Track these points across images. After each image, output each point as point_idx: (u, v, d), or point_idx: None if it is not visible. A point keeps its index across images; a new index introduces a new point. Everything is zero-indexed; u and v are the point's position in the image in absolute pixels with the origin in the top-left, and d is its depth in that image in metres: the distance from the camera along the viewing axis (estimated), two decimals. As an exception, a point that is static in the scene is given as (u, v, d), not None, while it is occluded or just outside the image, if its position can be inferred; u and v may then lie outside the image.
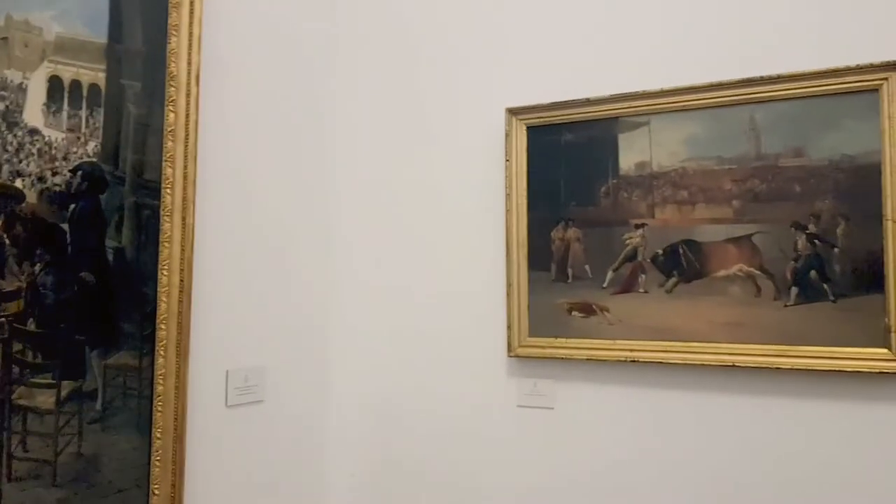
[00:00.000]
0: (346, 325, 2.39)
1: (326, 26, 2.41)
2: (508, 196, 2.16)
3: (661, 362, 1.96)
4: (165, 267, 1.78)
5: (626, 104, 2.04)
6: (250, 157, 2.08)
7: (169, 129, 1.81)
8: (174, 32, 1.83)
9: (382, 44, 2.44)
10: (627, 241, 2.04)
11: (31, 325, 1.55)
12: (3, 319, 1.50)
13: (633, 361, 1.99)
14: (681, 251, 1.97)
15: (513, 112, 2.17)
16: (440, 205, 2.30)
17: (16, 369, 1.51)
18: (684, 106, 1.97)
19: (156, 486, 1.72)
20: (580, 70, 2.12)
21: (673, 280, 1.98)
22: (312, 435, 2.29)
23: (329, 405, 2.36)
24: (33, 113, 1.58)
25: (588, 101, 2.08)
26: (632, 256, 2.03)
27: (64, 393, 1.59)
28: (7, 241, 1.52)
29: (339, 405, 2.37)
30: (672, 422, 1.96)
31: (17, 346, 1.52)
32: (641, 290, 2.01)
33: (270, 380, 2.11)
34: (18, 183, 1.54)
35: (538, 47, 2.20)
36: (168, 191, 1.80)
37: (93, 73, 1.68)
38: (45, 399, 1.56)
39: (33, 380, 1.55)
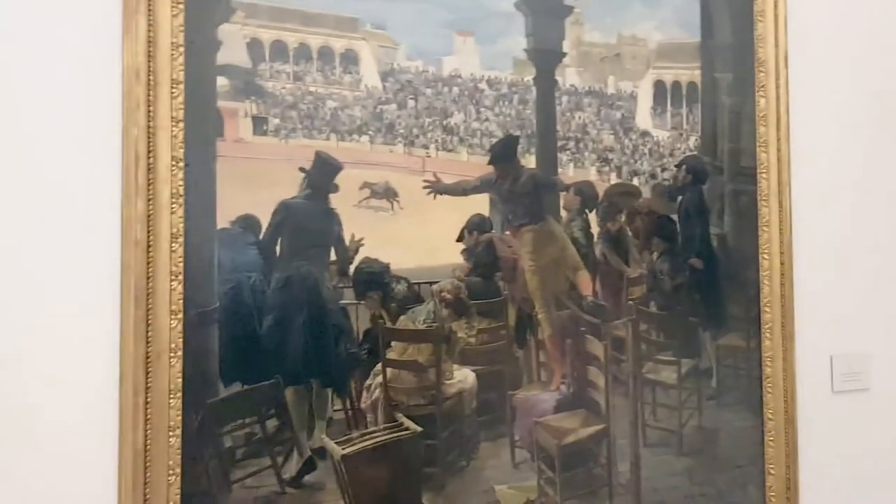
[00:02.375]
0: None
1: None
2: None
3: None
4: (765, 251, 1.79)
5: None
6: (841, 135, 1.96)
7: (761, 114, 1.82)
8: (760, 18, 1.83)
9: None
10: None
11: (652, 307, 1.73)
12: (631, 302, 1.70)
13: None
14: None
15: None
16: None
17: (643, 346, 1.71)
18: None
19: (771, 466, 1.75)
20: None
21: None
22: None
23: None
24: (643, 117, 1.76)
25: None
26: None
27: (683, 370, 1.73)
28: (630, 234, 1.72)
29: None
30: None
31: (642, 326, 1.71)
32: None
33: (877, 367, 1.96)
34: (635, 181, 1.74)
35: None
36: (763, 175, 1.81)
37: (689, 73, 1.80)
38: (668, 374, 1.72)
39: (657, 356, 1.72)
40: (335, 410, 1.49)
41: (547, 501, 1.57)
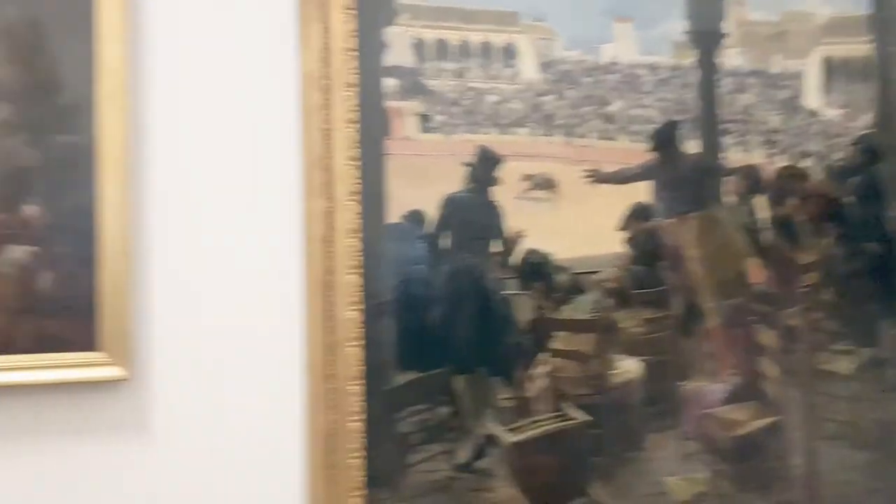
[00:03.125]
0: None
1: None
2: None
3: None
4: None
5: None
6: None
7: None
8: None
9: None
10: None
11: (826, 295, 1.65)
12: (803, 289, 1.63)
13: None
14: None
15: None
16: None
17: (817, 336, 1.63)
18: None
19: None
20: None
21: None
22: None
23: None
24: (811, 96, 1.68)
25: None
26: None
27: (860, 360, 1.64)
28: (800, 218, 1.65)
29: None
30: None
31: (816, 315, 1.64)
32: None
33: None
34: (804, 163, 1.67)
35: None
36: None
37: (860, 47, 1.70)
38: (844, 365, 1.64)
39: (832, 346, 1.65)
40: (503, 399, 1.52)
41: (720, 493, 1.54)
